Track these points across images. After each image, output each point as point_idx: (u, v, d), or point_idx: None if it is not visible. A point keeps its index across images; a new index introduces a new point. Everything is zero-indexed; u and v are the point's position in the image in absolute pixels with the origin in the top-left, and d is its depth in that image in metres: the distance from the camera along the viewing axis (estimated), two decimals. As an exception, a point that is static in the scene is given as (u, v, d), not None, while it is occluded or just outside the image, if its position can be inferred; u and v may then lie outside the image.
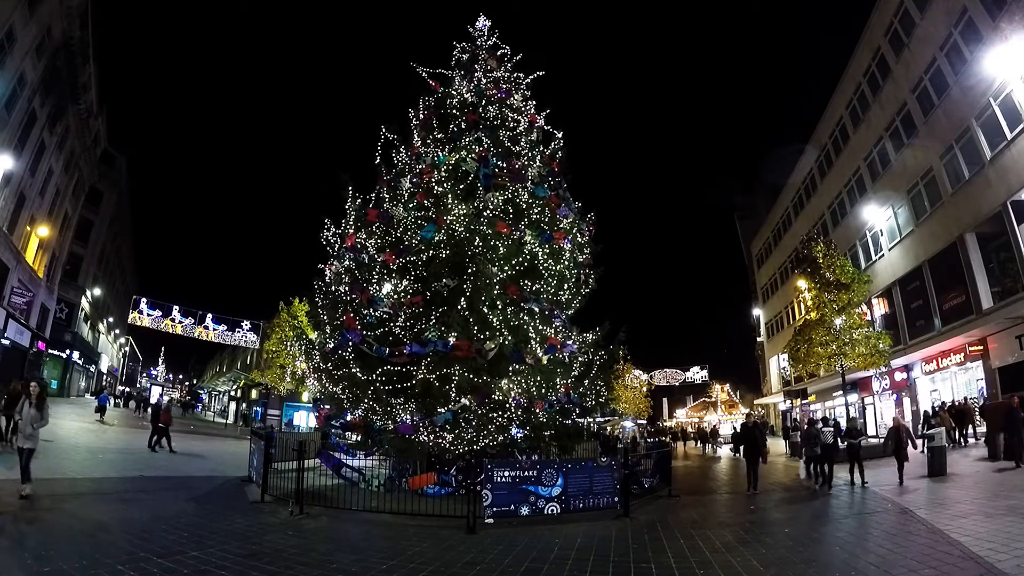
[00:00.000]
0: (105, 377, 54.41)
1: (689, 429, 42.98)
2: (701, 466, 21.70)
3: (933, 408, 21.12)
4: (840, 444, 13.01)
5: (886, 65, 23.39)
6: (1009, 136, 16.16)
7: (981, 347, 18.63)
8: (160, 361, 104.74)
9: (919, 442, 14.77)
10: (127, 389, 58.17)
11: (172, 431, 17.28)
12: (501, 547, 6.91)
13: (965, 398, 18.86)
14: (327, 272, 13.37)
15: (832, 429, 13.85)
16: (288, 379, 32.52)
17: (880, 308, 25.32)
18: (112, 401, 34.59)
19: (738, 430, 34.76)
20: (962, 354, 19.62)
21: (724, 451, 29.22)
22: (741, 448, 17.06)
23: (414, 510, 8.59)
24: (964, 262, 18.70)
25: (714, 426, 36.94)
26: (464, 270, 11.53)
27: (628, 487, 9.51)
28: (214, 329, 43.53)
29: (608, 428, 39.64)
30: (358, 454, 13.32)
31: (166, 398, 29.59)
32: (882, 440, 16.06)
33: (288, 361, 31.41)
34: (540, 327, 12.02)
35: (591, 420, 13.41)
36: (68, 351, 36.69)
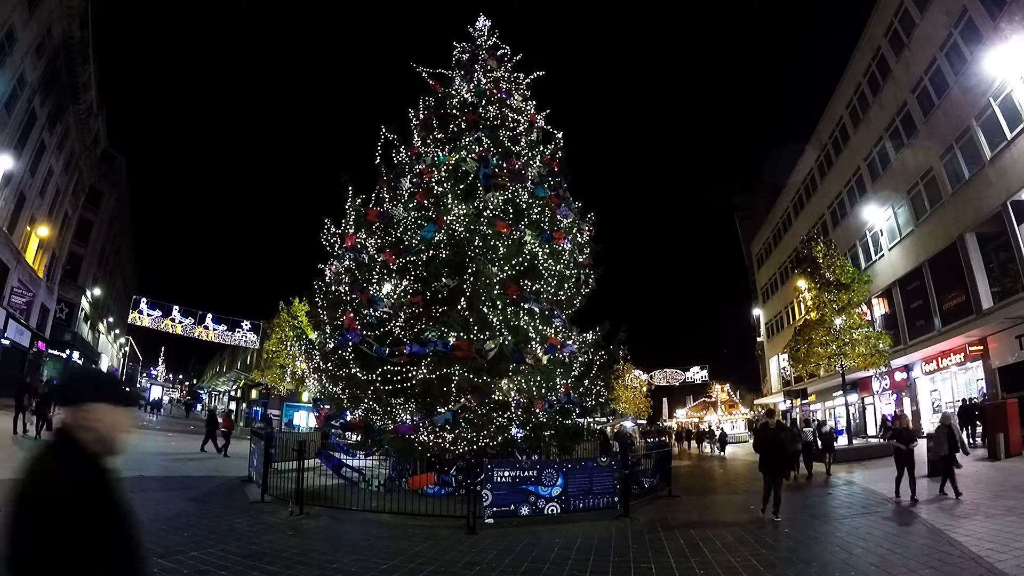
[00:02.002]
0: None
1: (691, 429, 42.91)
2: (701, 466, 21.70)
3: (884, 417, 21.22)
4: (835, 444, 12.98)
5: (886, 65, 23.39)
6: (1009, 136, 16.17)
7: (981, 347, 18.64)
8: (160, 361, 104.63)
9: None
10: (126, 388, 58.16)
11: (174, 431, 17.33)
12: (501, 547, 6.91)
13: (972, 398, 18.84)
14: (327, 272, 13.36)
15: (811, 429, 15.89)
16: (288, 379, 32.53)
17: (880, 308, 25.33)
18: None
19: (718, 431, 34.45)
20: (962, 354, 19.62)
21: (722, 451, 29.36)
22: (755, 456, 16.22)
23: (414, 510, 8.59)
24: (964, 262, 18.70)
25: (710, 427, 37.22)
26: (464, 270, 11.53)
27: (628, 487, 9.50)
28: (214, 329, 43.53)
29: (609, 429, 39.64)
30: (358, 454, 13.32)
31: (222, 405, 29.85)
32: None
33: (288, 361, 31.40)
34: (540, 327, 12.02)
35: (591, 420, 13.35)
36: (68, 351, 36.66)
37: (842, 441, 21.87)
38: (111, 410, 1.61)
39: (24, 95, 21.94)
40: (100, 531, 1.52)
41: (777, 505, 8.55)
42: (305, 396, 30.89)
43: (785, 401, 37.53)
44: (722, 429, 35.46)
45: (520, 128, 14.12)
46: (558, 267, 12.80)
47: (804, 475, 14.27)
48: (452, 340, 11.05)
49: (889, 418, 22.54)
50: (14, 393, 15.56)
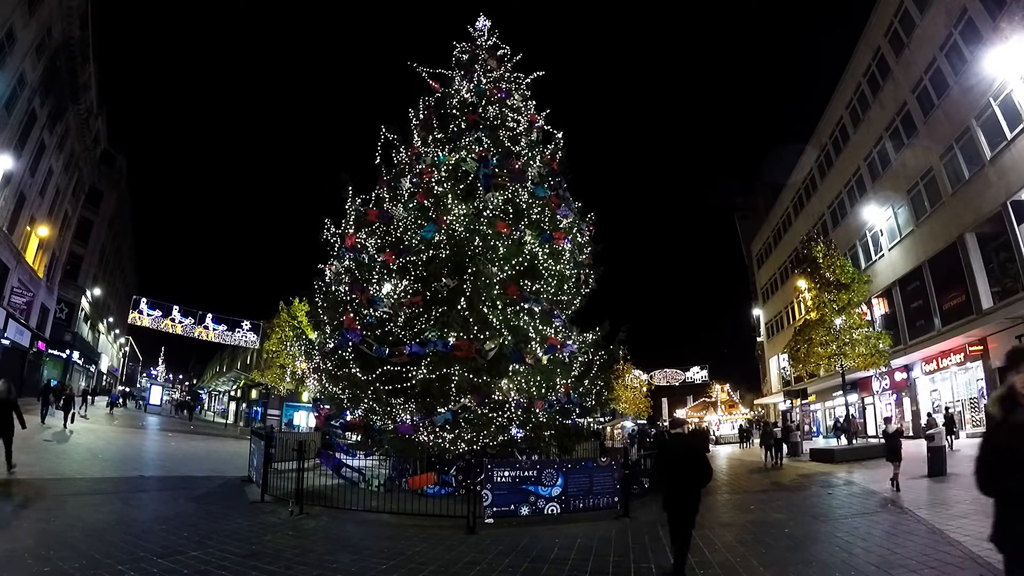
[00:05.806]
0: (105, 377, 54.36)
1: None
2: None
3: (837, 420, 21.42)
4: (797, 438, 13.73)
5: (886, 65, 23.39)
6: (1009, 136, 16.17)
7: (981, 347, 18.64)
8: (160, 361, 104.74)
9: None
10: (126, 388, 58.26)
11: (175, 431, 17.32)
12: (501, 547, 6.90)
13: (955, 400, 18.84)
14: (327, 272, 13.36)
15: (779, 428, 20.48)
16: (288, 379, 32.51)
17: (880, 308, 25.33)
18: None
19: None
20: (962, 354, 19.62)
21: (717, 450, 29.80)
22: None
23: (414, 510, 8.59)
24: (964, 262, 18.70)
25: (707, 427, 37.79)
26: (464, 270, 11.52)
27: (628, 487, 9.51)
28: (214, 329, 43.47)
29: (609, 428, 39.66)
30: (358, 454, 13.32)
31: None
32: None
33: (288, 361, 31.38)
34: (540, 327, 12.00)
35: (591, 420, 13.34)
36: (68, 351, 36.67)
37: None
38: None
39: (24, 95, 21.92)
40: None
41: None
42: (305, 396, 30.86)
43: (785, 401, 37.56)
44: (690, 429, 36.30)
45: (520, 128, 14.11)
46: (558, 267, 12.79)
47: (776, 464, 17.96)
48: (452, 340, 11.04)
49: (848, 418, 22.61)
50: (38, 395, 20.80)
